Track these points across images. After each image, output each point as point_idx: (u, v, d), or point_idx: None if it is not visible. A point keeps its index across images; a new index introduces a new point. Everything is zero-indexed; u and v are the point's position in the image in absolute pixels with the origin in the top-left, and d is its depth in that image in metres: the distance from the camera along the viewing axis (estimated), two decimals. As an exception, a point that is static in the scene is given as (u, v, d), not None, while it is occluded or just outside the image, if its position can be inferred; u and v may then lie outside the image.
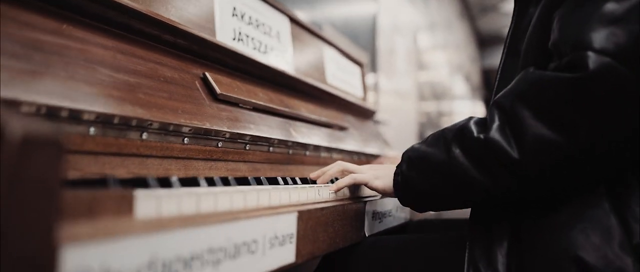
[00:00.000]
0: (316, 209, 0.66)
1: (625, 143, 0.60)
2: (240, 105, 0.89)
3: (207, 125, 0.75)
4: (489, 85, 7.75)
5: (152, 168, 0.67)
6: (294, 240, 0.61)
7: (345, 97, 1.41)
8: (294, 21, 1.29)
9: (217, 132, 0.78)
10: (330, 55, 1.50)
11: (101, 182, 0.49)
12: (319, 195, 0.74)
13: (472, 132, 0.66)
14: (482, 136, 0.64)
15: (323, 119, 1.18)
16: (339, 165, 0.88)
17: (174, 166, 0.71)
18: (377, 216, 0.90)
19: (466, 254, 0.70)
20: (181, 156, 0.72)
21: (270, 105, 0.97)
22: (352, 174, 0.83)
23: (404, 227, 1.09)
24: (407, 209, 1.06)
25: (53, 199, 0.33)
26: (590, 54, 0.56)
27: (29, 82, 0.52)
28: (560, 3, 0.65)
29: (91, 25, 0.67)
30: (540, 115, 0.60)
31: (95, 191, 0.40)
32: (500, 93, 0.67)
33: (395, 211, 1.00)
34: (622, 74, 0.55)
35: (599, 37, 0.57)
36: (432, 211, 0.80)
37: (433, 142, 0.72)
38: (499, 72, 0.80)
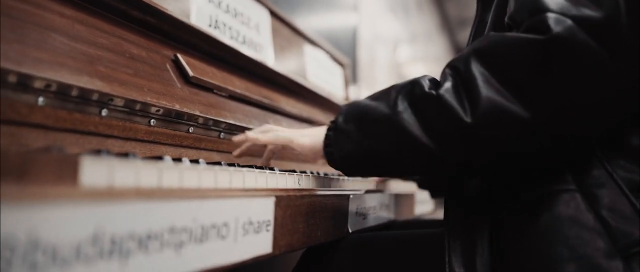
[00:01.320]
0: (296, 197, 0.60)
1: (587, 123, 0.55)
2: (215, 91, 0.83)
3: (177, 107, 0.68)
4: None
5: (112, 150, 0.60)
6: (271, 228, 0.54)
7: (327, 95, 1.36)
8: (274, 15, 1.24)
9: (189, 117, 0.71)
10: (311, 53, 1.45)
11: (45, 151, 0.42)
12: (299, 183, 0.68)
13: (423, 87, 0.60)
14: (433, 92, 0.58)
15: (304, 114, 1.12)
16: (264, 126, 0.79)
17: (139, 150, 0.64)
18: (361, 212, 0.84)
19: (446, 259, 0.64)
20: (147, 138, 0.65)
21: (248, 94, 0.91)
22: (275, 131, 0.75)
23: (387, 227, 1.03)
24: (391, 206, 1.00)
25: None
26: (551, 15, 0.52)
27: (-36, 38, 0.45)
28: None
29: (47, -10, 0.60)
30: (497, 76, 0.54)
31: (29, 152, 0.33)
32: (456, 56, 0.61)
33: (379, 208, 0.94)
34: (585, 40, 0.50)
35: (557, 1, 0.52)
36: (363, 175, 0.72)
37: (379, 96, 0.65)
38: None
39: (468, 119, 0.55)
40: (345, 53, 3.07)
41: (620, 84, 0.53)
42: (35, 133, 0.51)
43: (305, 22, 2.46)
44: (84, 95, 0.55)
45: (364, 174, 0.71)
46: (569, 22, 0.51)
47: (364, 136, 0.63)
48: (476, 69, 0.55)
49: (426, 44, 5.38)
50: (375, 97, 0.66)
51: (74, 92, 0.54)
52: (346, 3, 3.24)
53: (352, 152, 0.65)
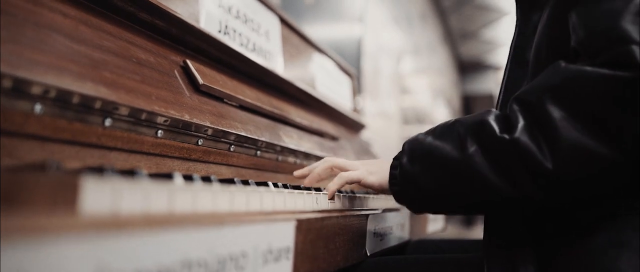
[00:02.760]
0: (316, 219, 0.54)
1: None
2: (226, 100, 0.78)
3: (186, 118, 0.63)
4: (469, 111, 7.81)
5: (116, 164, 0.54)
6: (291, 256, 0.48)
7: (337, 107, 1.30)
8: (284, 22, 1.19)
9: (198, 127, 0.66)
10: (320, 62, 1.40)
11: (40, 168, 0.36)
12: (317, 203, 0.63)
13: (493, 130, 0.56)
14: (506, 136, 0.54)
15: (315, 126, 1.06)
16: (327, 161, 0.76)
17: (144, 164, 0.59)
18: (379, 232, 0.78)
19: None
20: (153, 151, 0.60)
21: (259, 105, 0.86)
22: (342, 173, 0.71)
23: (403, 247, 0.98)
24: (407, 225, 0.95)
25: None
26: (636, 47, 0.48)
27: (-47, 36, 0.39)
28: (575, 3, 0.56)
29: (49, -12, 0.55)
30: (577, 117, 0.50)
31: (20, 174, 0.28)
32: (522, 89, 0.57)
33: (396, 228, 0.89)
34: None
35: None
36: (431, 213, 0.70)
37: (443, 134, 0.61)
38: (504, 84, 0.71)
39: (549, 165, 0.51)
40: (350, 62, 3.03)
41: None
42: (30, 145, 0.46)
43: (311, 31, 2.42)
44: (87, 103, 0.50)
45: (431, 211, 0.69)
46: None
47: (432, 179, 0.60)
48: (551, 108, 0.51)
49: (429, 55, 5.35)
50: (438, 134, 0.62)
51: (76, 100, 0.49)
52: (351, 14, 3.20)
53: (418, 194, 0.62)
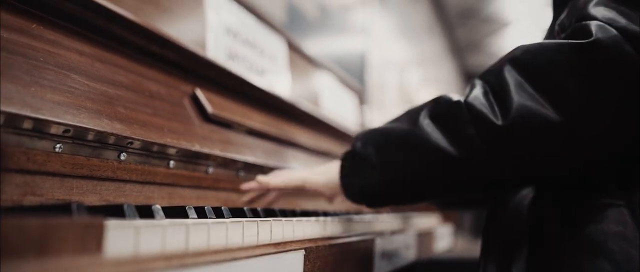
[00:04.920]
0: (325, 246, 0.56)
1: (622, 135, 0.52)
2: (234, 127, 0.80)
3: (197, 148, 0.65)
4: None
5: (130, 196, 0.57)
6: (300, 285, 0.50)
7: (341, 127, 1.32)
8: (290, 44, 1.21)
9: (208, 156, 0.68)
10: (325, 82, 1.42)
11: (64, 209, 0.39)
12: (325, 229, 0.64)
13: (447, 99, 0.57)
14: (460, 100, 0.56)
15: (322, 147, 1.09)
16: (274, 172, 0.75)
17: (157, 194, 0.61)
18: (386, 255, 0.80)
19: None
20: (166, 182, 0.62)
21: (266, 130, 0.88)
22: (286, 174, 0.71)
23: (410, 269, 0.99)
24: (413, 247, 0.96)
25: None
26: (595, 22, 0.50)
27: (-20, 83, 0.42)
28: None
29: (66, 28, 0.58)
30: (532, 82, 0.52)
31: (49, 219, 0.30)
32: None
33: (402, 250, 0.90)
34: (629, 52, 0.48)
35: (605, 11, 0.51)
36: (387, 204, 0.67)
37: (398, 117, 0.62)
38: None
39: (499, 122, 0.52)
40: (355, 76, 3.06)
41: None
42: (51, 181, 0.48)
43: (316, 46, 2.46)
44: (103, 140, 0.52)
45: (388, 202, 0.66)
46: (613, 31, 0.48)
47: (386, 157, 0.59)
48: (509, 76, 0.53)
49: (436, 67, 5.37)
50: (394, 119, 0.63)
51: (93, 137, 0.51)
52: (356, 27, 3.24)
53: (374, 178, 0.60)
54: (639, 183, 0.55)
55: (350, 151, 0.64)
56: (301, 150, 1.01)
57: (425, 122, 0.57)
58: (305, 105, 1.11)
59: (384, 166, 0.59)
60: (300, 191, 0.73)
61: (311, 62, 1.35)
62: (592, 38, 0.49)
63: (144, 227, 0.36)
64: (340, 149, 1.26)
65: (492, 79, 0.55)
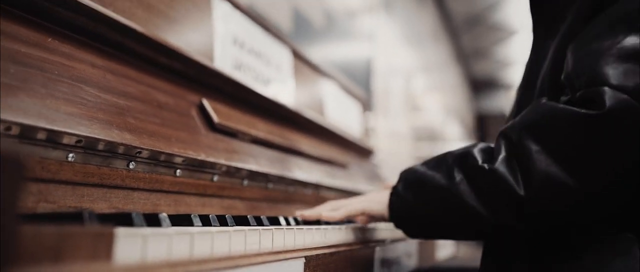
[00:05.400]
0: (325, 255, 0.58)
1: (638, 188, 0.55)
2: (239, 136, 0.82)
3: (203, 157, 0.67)
4: (483, 129, 7.77)
5: (138, 203, 0.59)
6: (301, 291, 0.52)
7: (346, 135, 1.34)
8: (295, 53, 1.24)
9: (213, 165, 0.70)
10: (330, 90, 1.44)
11: (76, 218, 0.41)
12: (326, 237, 0.66)
13: (476, 160, 0.62)
14: (486, 166, 0.60)
15: (325, 154, 1.11)
16: (329, 204, 0.80)
17: (164, 201, 0.63)
18: (386, 263, 0.81)
19: None
20: (172, 190, 0.64)
21: (271, 138, 0.90)
22: (346, 207, 0.76)
23: (411, 276, 1.01)
24: (415, 255, 0.98)
25: (7, 238, 0.25)
26: (607, 89, 0.52)
27: (1, 97, 0.44)
28: (573, 38, 0.62)
29: (79, 41, 0.60)
30: (549, 150, 0.56)
31: (64, 227, 0.32)
32: (508, 123, 0.63)
33: (403, 257, 0.92)
34: (635, 110, 0.51)
35: (617, 72, 0.53)
36: (424, 238, 0.77)
37: (434, 164, 0.68)
38: (515, 106, 0.77)
39: (521, 192, 0.56)
40: (361, 82, 3.08)
41: None
42: (63, 189, 0.50)
43: (321, 52, 2.48)
44: (113, 149, 0.55)
45: (424, 236, 0.75)
46: (624, 96, 0.51)
47: (423, 203, 0.67)
48: (528, 143, 0.57)
49: (441, 73, 5.38)
50: (431, 165, 0.69)
51: (104, 147, 0.54)
52: (362, 34, 3.26)
53: (411, 219, 0.69)
54: None
55: (395, 190, 0.71)
56: (304, 158, 1.03)
57: (458, 179, 0.63)
58: (309, 114, 1.13)
59: (420, 210, 0.68)
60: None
61: (316, 70, 1.38)
62: (606, 109, 0.51)
63: (152, 236, 0.38)
64: (343, 157, 1.28)
65: (514, 142, 0.59)
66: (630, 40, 0.54)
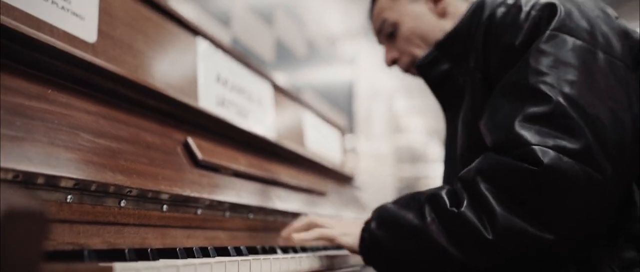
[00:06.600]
0: (298, 281, 0.64)
1: (592, 227, 0.64)
2: (222, 171, 0.89)
3: (188, 193, 0.74)
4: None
5: (128, 237, 0.65)
6: (275, 315, 0.58)
7: (324, 163, 1.42)
8: (276, 87, 1.32)
9: (197, 199, 0.77)
10: (310, 120, 1.52)
11: (77, 255, 0.47)
12: (300, 265, 0.73)
13: (445, 202, 0.67)
14: (455, 210, 0.65)
15: (303, 184, 1.17)
16: (307, 218, 0.85)
17: (151, 235, 0.69)
18: (358, 286, 0.88)
19: None
20: (159, 224, 0.70)
21: (251, 171, 0.97)
22: (319, 229, 0.81)
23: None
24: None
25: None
26: (536, 148, 0.60)
27: (9, 148, 0.51)
28: (480, 115, 0.72)
29: (76, 90, 0.67)
30: (505, 195, 0.62)
31: (71, 265, 0.38)
32: (465, 169, 0.69)
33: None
34: (570, 165, 0.59)
35: (530, 134, 0.62)
36: None
37: (406, 204, 0.72)
38: (443, 180, 0.92)
39: (489, 236, 0.62)
40: (343, 106, 3.16)
41: (612, 192, 0.62)
42: (61, 228, 0.56)
43: (304, 78, 2.57)
44: (107, 190, 0.61)
45: None
46: (550, 151, 0.59)
47: (396, 243, 0.70)
48: (485, 188, 0.63)
49: (423, 96, 5.50)
50: (402, 204, 0.73)
51: (99, 188, 0.60)
52: (343, 59, 3.36)
53: (383, 257, 0.72)
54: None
55: (368, 227, 0.75)
56: (284, 188, 1.10)
57: (429, 220, 0.67)
58: (288, 145, 1.20)
59: (393, 249, 0.71)
60: None
61: (296, 100, 1.45)
62: (543, 166, 0.59)
63: (144, 269, 0.44)
64: (322, 185, 1.35)
65: (471, 189, 0.65)
66: (528, 108, 0.63)
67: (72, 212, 0.57)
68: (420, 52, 0.93)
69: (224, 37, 1.63)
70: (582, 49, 0.65)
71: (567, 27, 0.67)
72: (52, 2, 0.69)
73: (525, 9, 0.70)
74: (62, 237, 0.56)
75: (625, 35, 0.70)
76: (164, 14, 0.93)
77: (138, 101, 0.78)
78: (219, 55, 1.08)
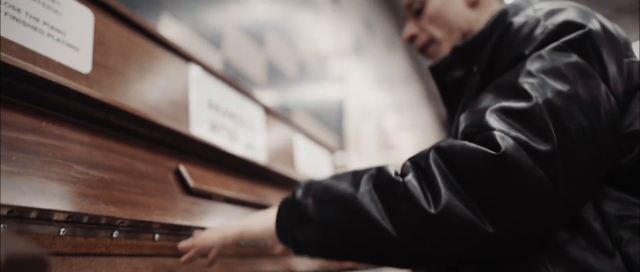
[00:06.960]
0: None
1: (535, 230, 0.60)
2: (213, 197, 0.90)
3: (179, 221, 0.75)
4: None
5: (120, 268, 0.65)
6: None
7: (316, 185, 1.43)
8: (267, 110, 1.33)
9: (189, 228, 0.78)
10: (300, 142, 1.54)
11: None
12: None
13: (389, 173, 0.63)
14: (400, 180, 0.61)
15: (294, 208, 1.18)
16: (210, 228, 0.74)
17: (143, 265, 0.70)
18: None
19: None
20: (151, 253, 0.71)
21: (242, 197, 0.98)
22: (222, 229, 0.72)
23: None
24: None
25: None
26: (496, 133, 0.58)
27: (5, 184, 0.52)
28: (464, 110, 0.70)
29: (70, 122, 0.68)
30: (455, 175, 0.59)
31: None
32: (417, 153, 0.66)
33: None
34: (526, 159, 0.56)
35: (499, 124, 0.60)
36: (314, 255, 0.68)
37: (341, 176, 0.67)
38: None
39: (432, 211, 0.58)
40: (333, 124, 3.19)
41: (558, 207, 0.59)
42: (54, 260, 0.57)
43: (295, 98, 2.59)
44: (99, 222, 0.62)
45: (316, 253, 0.68)
46: (511, 140, 0.58)
47: (321, 210, 0.64)
48: (436, 165, 0.60)
49: (413, 114, 5.56)
50: (338, 176, 0.68)
51: (91, 220, 0.61)
52: (333, 77, 3.39)
53: (307, 230, 0.65)
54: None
55: (290, 198, 0.68)
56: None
57: (365, 189, 0.62)
58: (279, 168, 1.21)
59: (321, 221, 0.64)
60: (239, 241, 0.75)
61: (287, 122, 1.47)
62: (501, 151, 0.57)
63: (136, 306, 0.45)
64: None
65: (422, 164, 0.62)
66: (504, 102, 0.62)
67: (64, 245, 0.58)
68: (440, 34, 0.92)
69: (215, 59, 1.65)
70: (584, 69, 0.63)
71: (581, 48, 0.65)
72: (48, 35, 0.70)
73: (544, 22, 0.68)
74: (55, 270, 0.56)
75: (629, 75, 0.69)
76: (156, 42, 0.94)
77: (131, 130, 0.79)
78: (211, 80, 1.10)
